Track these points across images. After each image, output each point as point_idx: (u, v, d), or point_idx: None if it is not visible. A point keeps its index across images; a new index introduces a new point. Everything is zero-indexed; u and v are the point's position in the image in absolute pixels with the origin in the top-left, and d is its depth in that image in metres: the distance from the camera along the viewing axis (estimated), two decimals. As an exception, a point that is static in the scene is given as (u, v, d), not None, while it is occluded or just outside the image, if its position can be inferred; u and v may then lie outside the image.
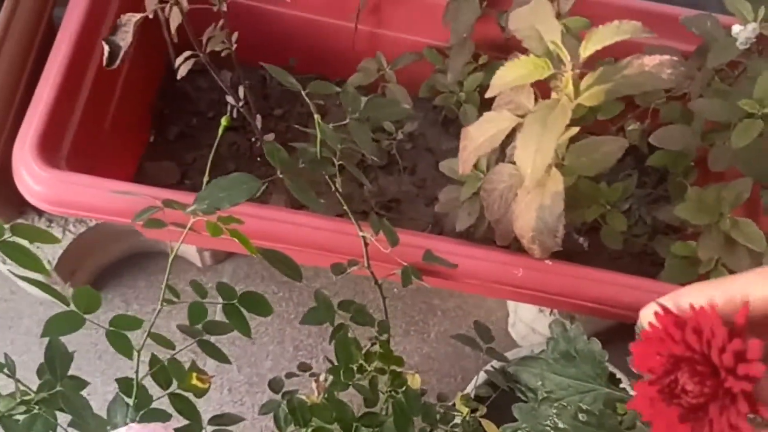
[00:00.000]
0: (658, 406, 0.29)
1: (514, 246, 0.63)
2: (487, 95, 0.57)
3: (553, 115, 0.50)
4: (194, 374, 0.65)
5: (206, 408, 1.01)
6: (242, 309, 0.59)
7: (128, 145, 0.88)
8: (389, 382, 0.66)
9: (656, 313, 0.30)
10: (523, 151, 0.50)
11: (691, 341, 0.28)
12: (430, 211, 0.88)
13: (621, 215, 0.73)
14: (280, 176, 0.48)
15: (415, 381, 0.70)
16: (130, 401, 0.59)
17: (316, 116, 0.48)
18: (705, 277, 0.69)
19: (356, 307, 0.65)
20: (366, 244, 0.59)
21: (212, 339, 0.61)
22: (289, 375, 0.71)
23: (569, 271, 0.67)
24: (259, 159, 0.86)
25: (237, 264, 1.06)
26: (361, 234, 0.58)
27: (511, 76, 0.53)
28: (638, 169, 0.95)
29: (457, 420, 0.69)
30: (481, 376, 0.82)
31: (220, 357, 0.63)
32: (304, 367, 0.73)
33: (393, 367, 0.67)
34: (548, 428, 0.50)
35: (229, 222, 0.55)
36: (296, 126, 0.89)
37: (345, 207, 0.56)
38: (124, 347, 0.55)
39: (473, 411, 0.71)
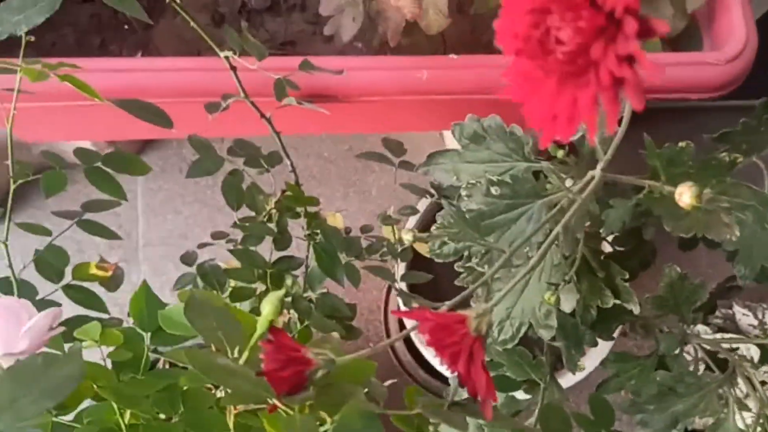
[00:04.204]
0: (532, 78, 0.22)
1: (406, 42, 0.54)
2: None
3: None
4: (93, 264, 0.59)
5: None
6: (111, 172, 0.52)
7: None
8: (306, 225, 0.60)
9: None
10: None
11: None
12: (331, 48, 0.79)
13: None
14: None
15: (337, 220, 0.64)
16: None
17: None
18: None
19: (249, 151, 0.58)
20: (233, 68, 0.50)
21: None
22: (202, 245, 0.65)
23: (480, 61, 0.60)
24: (126, 27, 0.76)
25: (147, 159, 0.98)
26: (223, 55, 0.49)
27: None
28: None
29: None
30: (422, 204, 0.76)
31: (107, 234, 0.56)
32: (218, 236, 0.66)
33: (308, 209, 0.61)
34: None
35: (56, 68, 0.47)
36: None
37: (194, 23, 0.47)
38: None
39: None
